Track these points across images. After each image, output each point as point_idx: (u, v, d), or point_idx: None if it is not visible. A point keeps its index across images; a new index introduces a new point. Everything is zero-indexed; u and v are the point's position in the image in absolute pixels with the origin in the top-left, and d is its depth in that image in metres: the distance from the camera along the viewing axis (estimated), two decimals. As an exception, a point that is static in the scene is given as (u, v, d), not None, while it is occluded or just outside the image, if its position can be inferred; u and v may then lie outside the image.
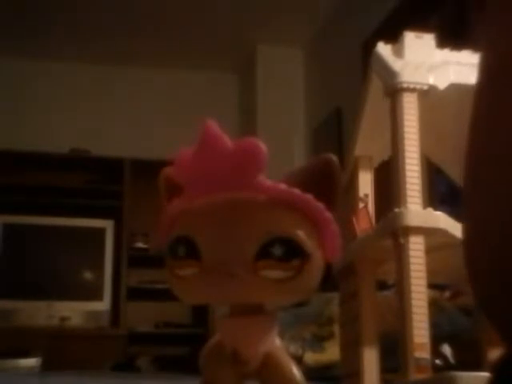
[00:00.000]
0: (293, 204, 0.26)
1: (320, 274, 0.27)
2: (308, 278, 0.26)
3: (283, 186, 0.26)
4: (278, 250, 0.25)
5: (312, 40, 3.51)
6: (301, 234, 0.25)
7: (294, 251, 0.25)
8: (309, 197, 0.26)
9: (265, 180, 0.25)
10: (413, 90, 0.76)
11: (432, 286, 0.83)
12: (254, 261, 0.25)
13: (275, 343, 0.28)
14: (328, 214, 0.27)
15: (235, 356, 0.27)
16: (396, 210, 0.86)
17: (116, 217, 3.37)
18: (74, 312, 3.18)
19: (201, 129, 0.25)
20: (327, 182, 0.27)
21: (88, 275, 3.35)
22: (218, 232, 0.25)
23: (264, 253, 0.25)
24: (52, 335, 3.00)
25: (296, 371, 0.27)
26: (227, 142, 0.25)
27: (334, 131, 3.09)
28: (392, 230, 0.86)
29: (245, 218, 0.25)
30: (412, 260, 0.83)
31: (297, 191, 0.26)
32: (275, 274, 0.25)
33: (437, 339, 1.08)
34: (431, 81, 0.76)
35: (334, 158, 0.29)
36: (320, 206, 0.26)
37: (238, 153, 0.25)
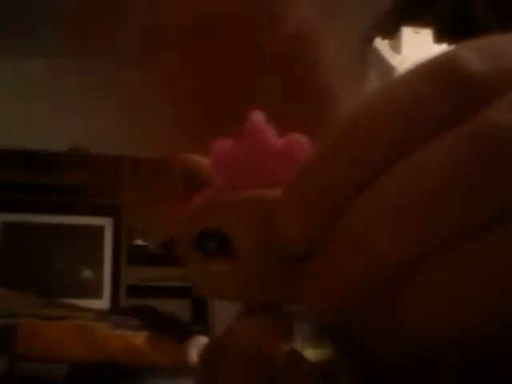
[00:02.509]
0: None
1: None
2: None
3: None
4: None
5: (309, 36, 3.50)
6: None
7: None
8: None
9: None
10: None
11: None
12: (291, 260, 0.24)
13: (294, 341, 0.27)
14: None
15: (258, 355, 0.26)
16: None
17: (115, 214, 3.37)
18: (73, 310, 3.18)
19: (245, 122, 0.24)
20: None
21: (87, 273, 3.35)
22: (257, 228, 0.24)
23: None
24: (52, 333, 3.00)
25: (314, 369, 0.27)
26: (271, 139, 0.24)
27: (332, 127, 3.08)
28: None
29: None
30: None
31: None
32: None
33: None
34: (429, 76, 0.76)
35: None
36: None
37: (286, 150, 0.24)
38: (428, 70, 0.17)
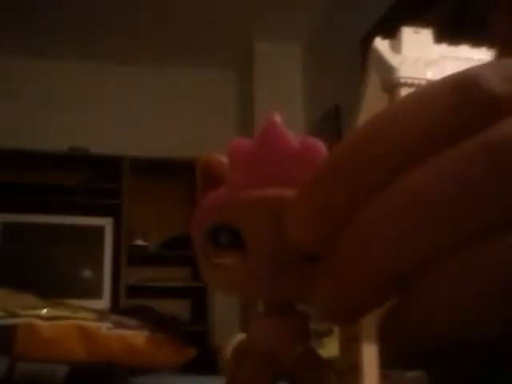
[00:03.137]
0: None
1: None
2: None
3: None
4: None
5: (310, 37, 3.50)
6: None
7: None
8: None
9: None
10: (410, 85, 0.75)
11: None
12: (300, 261, 0.25)
13: (309, 342, 0.27)
14: None
15: (272, 355, 0.27)
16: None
17: (115, 215, 3.37)
18: (73, 310, 3.18)
19: (263, 123, 0.24)
20: None
21: (87, 273, 3.35)
22: (270, 227, 0.24)
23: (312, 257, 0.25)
24: (52, 333, 2.99)
25: (329, 371, 0.27)
26: (288, 141, 0.24)
27: (332, 128, 3.08)
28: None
29: None
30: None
31: None
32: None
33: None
34: (429, 76, 0.76)
35: None
36: None
37: (300, 154, 0.24)
38: (448, 85, 0.18)
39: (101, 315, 0.83)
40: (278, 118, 0.25)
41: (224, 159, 0.26)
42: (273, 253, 0.24)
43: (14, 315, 0.75)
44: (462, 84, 0.17)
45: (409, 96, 0.19)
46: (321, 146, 0.24)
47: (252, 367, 0.26)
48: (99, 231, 3.35)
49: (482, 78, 0.17)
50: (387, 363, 0.18)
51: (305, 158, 0.24)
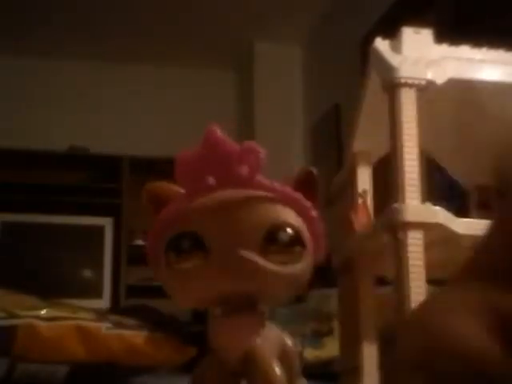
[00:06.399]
0: (286, 200, 0.29)
1: (311, 269, 0.30)
2: (305, 267, 0.30)
3: (278, 185, 0.30)
4: (284, 236, 0.28)
5: (310, 37, 3.50)
6: (299, 225, 0.29)
7: (296, 239, 0.29)
8: (299, 195, 0.31)
9: (262, 179, 0.29)
10: (411, 85, 0.76)
11: (431, 281, 0.84)
12: (261, 246, 0.28)
13: (259, 340, 0.29)
14: (315, 213, 0.31)
15: (223, 354, 0.28)
16: (394, 205, 0.86)
17: (115, 214, 3.37)
18: (73, 310, 3.18)
19: (204, 132, 0.28)
20: (309, 189, 0.31)
21: (87, 273, 3.35)
22: (226, 224, 0.27)
23: (271, 239, 0.29)
24: (52, 333, 2.99)
25: (277, 369, 0.28)
26: (229, 145, 0.28)
27: (332, 128, 3.08)
28: (391, 226, 0.86)
29: (249, 210, 0.28)
30: (411, 255, 0.83)
31: (289, 189, 0.30)
32: (281, 258, 0.28)
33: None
34: (429, 76, 0.76)
35: (314, 169, 0.33)
36: (308, 203, 0.31)
37: (241, 155, 0.28)
38: None
39: (100, 315, 0.83)
40: (216, 127, 0.28)
41: (165, 184, 0.31)
42: (233, 245, 0.26)
43: (13, 316, 0.75)
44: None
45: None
46: (258, 147, 0.28)
47: (207, 367, 0.28)
48: (99, 231, 3.35)
49: None
50: None
51: (245, 158, 0.27)
